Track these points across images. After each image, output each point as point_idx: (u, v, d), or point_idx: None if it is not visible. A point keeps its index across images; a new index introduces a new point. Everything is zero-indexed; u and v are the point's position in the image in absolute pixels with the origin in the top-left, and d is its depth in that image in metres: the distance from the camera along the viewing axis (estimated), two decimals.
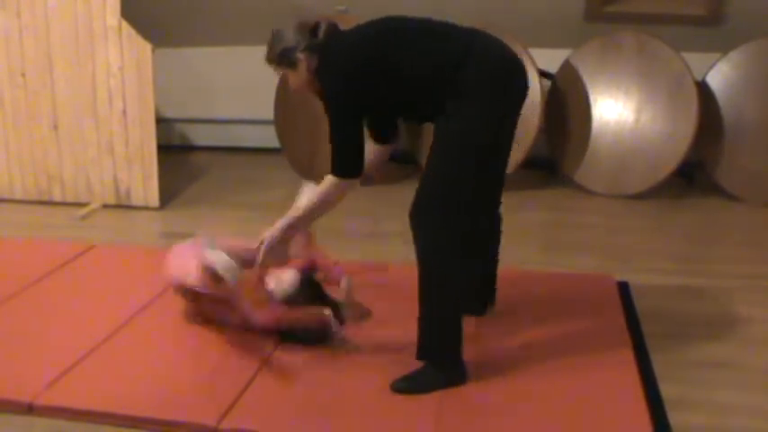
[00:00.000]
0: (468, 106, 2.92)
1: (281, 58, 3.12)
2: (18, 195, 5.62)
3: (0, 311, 3.61)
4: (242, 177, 6.18)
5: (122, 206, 5.40)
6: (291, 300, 3.39)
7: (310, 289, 3.45)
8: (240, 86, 6.64)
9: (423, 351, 3.06)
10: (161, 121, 5.96)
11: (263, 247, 3.23)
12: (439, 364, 3.06)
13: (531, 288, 3.92)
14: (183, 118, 6.91)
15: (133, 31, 5.13)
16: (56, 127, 5.40)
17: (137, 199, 5.41)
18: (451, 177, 2.95)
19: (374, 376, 3.10)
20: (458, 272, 3.00)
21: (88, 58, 5.21)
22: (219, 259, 3.17)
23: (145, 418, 2.87)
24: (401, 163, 6.14)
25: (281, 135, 6.25)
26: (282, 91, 6.14)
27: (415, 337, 3.05)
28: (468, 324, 3.14)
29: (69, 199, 5.49)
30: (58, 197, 5.50)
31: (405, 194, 5.52)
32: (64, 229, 4.99)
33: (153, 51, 5.14)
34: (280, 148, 6.31)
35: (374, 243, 4.65)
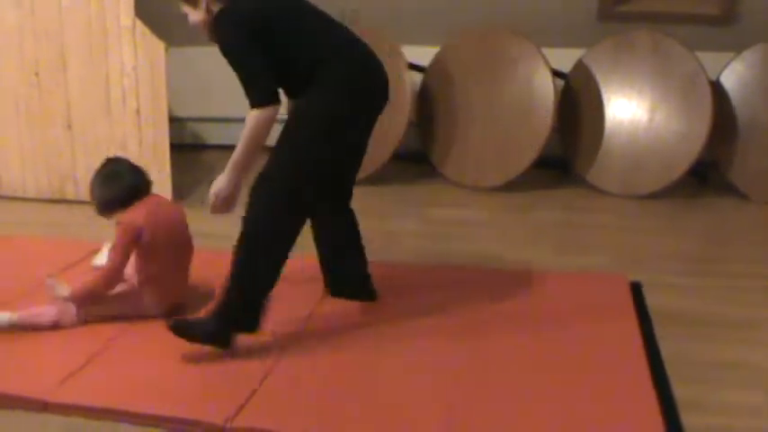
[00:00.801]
0: (322, 94, 3.21)
1: None
2: (31, 194, 5.64)
3: (14, 309, 3.62)
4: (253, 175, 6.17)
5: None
6: None
7: None
8: None
9: (221, 306, 3.24)
10: (174, 120, 5.98)
11: (215, 201, 3.32)
12: (232, 320, 3.24)
13: (544, 288, 3.92)
14: (195, 117, 6.92)
15: (147, 31, 5.14)
16: (69, 126, 5.41)
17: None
18: (294, 156, 3.23)
19: (385, 376, 3.11)
20: (283, 248, 3.26)
21: (102, 57, 5.22)
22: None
23: (157, 416, 2.87)
24: (413, 162, 6.15)
25: None
26: None
27: (429, 340, 3.06)
28: (477, 322, 3.13)
29: (83, 197, 5.50)
30: (71, 196, 5.52)
31: (417, 193, 5.57)
32: (77, 227, 5.00)
33: (166, 51, 5.15)
34: None
35: (387, 242, 4.65)
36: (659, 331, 3.45)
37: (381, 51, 5.76)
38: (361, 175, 5.15)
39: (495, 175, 5.70)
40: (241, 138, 3.22)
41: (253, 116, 3.16)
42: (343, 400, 2.97)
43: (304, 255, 3.63)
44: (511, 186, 5.65)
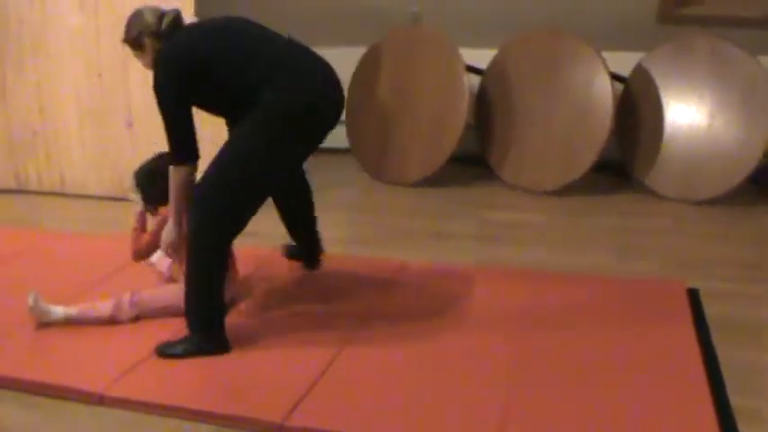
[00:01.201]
0: (255, 120, 3.22)
1: (133, 40, 3.45)
2: (93, 191, 5.73)
3: (76, 302, 3.68)
4: (311, 177, 6.21)
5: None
6: None
7: None
8: None
9: (190, 324, 3.34)
10: None
11: (168, 250, 3.57)
12: (203, 333, 3.32)
13: (600, 293, 3.89)
14: None
15: None
16: (131, 125, 5.49)
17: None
18: (231, 167, 3.26)
19: (442, 375, 3.11)
20: (221, 253, 3.33)
21: None
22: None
23: (212, 413, 2.91)
24: (469, 164, 6.14)
25: (350, 135, 6.29)
26: (353, 91, 6.18)
27: (484, 340, 3.05)
28: (531, 325, 3.12)
29: None
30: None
31: (473, 195, 5.55)
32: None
33: None
34: (349, 148, 6.34)
35: (442, 243, 4.66)
36: (717, 339, 3.41)
37: (441, 53, 5.81)
38: (417, 176, 5.18)
39: (553, 179, 5.68)
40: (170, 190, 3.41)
41: (173, 172, 3.37)
42: (400, 399, 2.98)
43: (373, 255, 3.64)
44: (568, 190, 5.62)
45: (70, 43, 5.56)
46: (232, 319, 3.53)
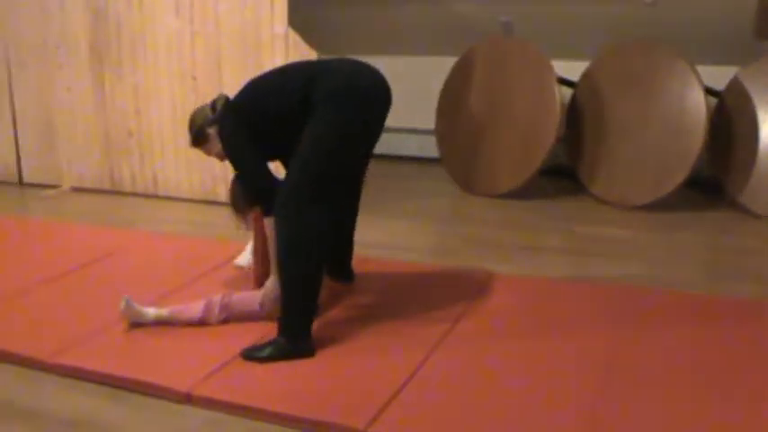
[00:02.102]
0: (316, 122, 3.36)
1: (196, 139, 3.74)
2: (185, 194, 5.83)
3: (165, 303, 3.75)
4: (400, 186, 6.24)
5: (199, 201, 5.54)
6: None
7: None
8: (402, 96, 6.70)
9: (281, 327, 3.40)
10: None
11: (271, 306, 3.61)
12: (292, 337, 3.37)
13: (689, 313, 3.82)
14: None
15: (299, 39, 5.26)
16: None
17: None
18: (311, 171, 3.36)
19: (530, 388, 3.09)
20: (316, 258, 3.38)
21: (255, 63, 5.36)
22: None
23: (295, 417, 2.92)
24: (559, 177, 6.10)
25: (440, 146, 6.29)
26: (443, 101, 6.18)
27: (572, 353, 3.02)
28: (620, 341, 3.07)
29: None
30: (222, 197, 5.67)
31: (562, 208, 5.49)
32: (225, 228, 5.13)
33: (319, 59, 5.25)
34: (438, 158, 6.35)
35: (530, 256, 4.63)
36: None
37: (532, 64, 5.78)
38: (506, 188, 5.15)
39: (644, 194, 5.60)
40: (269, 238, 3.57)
41: (268, 222, 3.53)
42: (484, 408, 2.95)
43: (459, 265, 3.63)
44: (659, 205, 5.54)
45: (166, 46, 5.69)
46: (318, 325, 3.55)
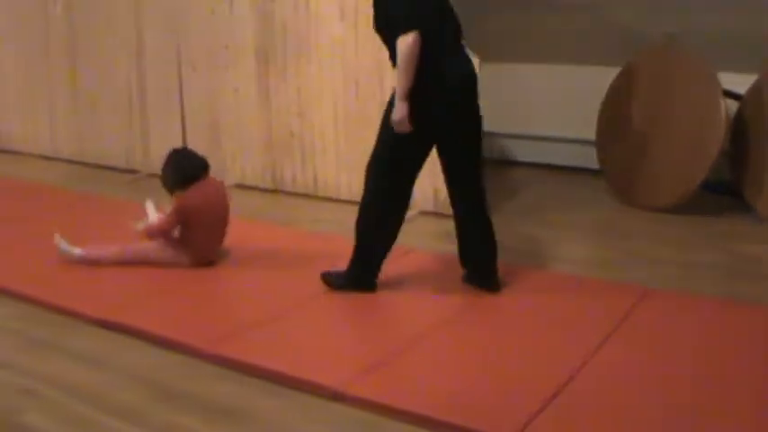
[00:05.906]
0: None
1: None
2: (344, 196, 5.94)
3: (316, 304, 3.84)
4: (558, 196, 6.18)
5: (439, 214, 5.54)
6: None
7: None
8: (562, 104, 6.66)
9: (350, 263, 4.18)
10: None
11: (399, 126, 3.89)
12: (356, 271, 4.16)
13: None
14: (503, 132, 6.99)
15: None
16: None
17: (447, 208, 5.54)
18: (381, 146, 4.07)
19: (683, 408, 3.03)
20: (383, 215, 4.09)
21: None
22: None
23: (444, 422, 2.95)
24: (721, 194, 5.92)
25: (600, 157, 6.21)
26: (604, 112, 6.11)
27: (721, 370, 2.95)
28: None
29: None
30: None
31: (723, 225, 5.35)
32: None
33: (480, 65, 5.26)
34: (598, 169, 6.26)
35: (687, 273, 4.51)
36: None
37: (697, 77, 5.64)
38: (666, 202, 5.04)
39: None
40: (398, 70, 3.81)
41: (402, 40, 3.75)
42: (634, 423, 2.93)
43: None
44: None
45: (330, 50, 5.81)
46: (472, 333, 3.57)
